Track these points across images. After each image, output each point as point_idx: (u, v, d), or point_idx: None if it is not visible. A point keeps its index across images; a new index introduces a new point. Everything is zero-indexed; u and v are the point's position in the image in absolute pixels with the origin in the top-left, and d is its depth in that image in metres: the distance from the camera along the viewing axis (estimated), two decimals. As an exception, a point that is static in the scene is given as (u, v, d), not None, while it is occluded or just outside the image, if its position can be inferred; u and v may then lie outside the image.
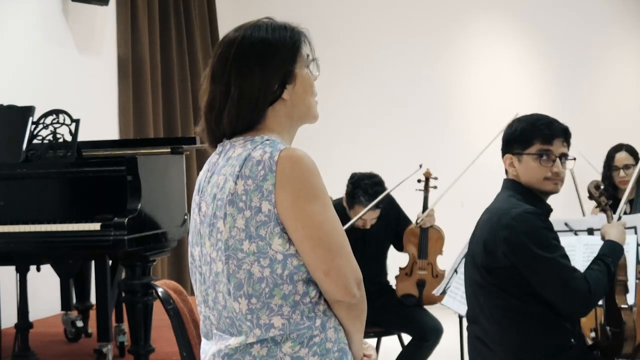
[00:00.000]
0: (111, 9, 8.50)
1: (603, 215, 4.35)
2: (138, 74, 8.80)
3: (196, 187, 2.83)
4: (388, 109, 10.35)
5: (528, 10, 10.32)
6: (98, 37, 8.35)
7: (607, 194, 4.46)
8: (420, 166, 6.02)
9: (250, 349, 2.59)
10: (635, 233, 4.50)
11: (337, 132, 10.05)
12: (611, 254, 3.99)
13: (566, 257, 3.86)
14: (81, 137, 5.63)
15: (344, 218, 5.93)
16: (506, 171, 4.13)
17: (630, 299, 4.12)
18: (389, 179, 6.13)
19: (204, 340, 2.81)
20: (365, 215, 5.93)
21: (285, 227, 2.57)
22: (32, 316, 5.91)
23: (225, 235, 2.60)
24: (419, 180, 6.39)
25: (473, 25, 10.48)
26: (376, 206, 5.94)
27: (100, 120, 8.22)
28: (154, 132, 8.92)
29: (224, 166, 2.67)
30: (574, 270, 3.84)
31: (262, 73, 2.67)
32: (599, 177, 6.58)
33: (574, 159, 4.09)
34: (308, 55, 2.78)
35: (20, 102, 5.93)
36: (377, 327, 6.15)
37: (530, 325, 3.91)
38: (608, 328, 4.16)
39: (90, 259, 6.25)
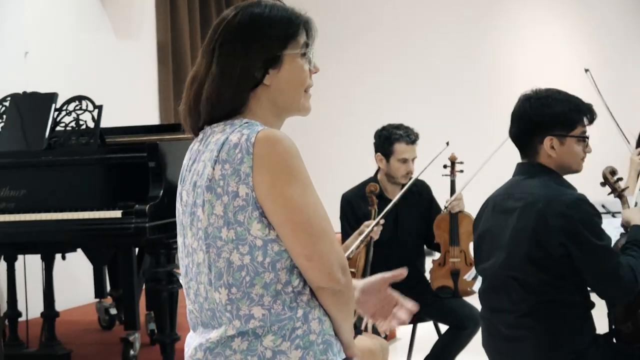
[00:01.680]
0: (151, -6, 8.45)
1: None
2: (178, 58, 8.76)
3: (180, 176, 2.72)
4: (420, 87, 10.25)
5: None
6: (136, 22, 8.31)
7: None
8: (447, 144, 5.84)
9: (230, 342, 2.49)
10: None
11: (369, 110, 9.94)
12: None
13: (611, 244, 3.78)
14: (122, 123, 5.60)
15: (356, 207, 5.74)
16: (530, 154, 3.92)
17: None
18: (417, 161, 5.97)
19: (190, 333, 2.71)
20: (409, 154, 5.75)
21: (264, 211, 2.45)
22: (69, 304, 5.90)
23: (204, 223, 2.50)
24: (444, 166, 6.22)
25: (517, 5, 10.26)
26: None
27: (140, 105, 8.20)
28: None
29: (203, 152, 2.56)
30: (619, 257, 3.73)
31: (244, 53, 2.54)
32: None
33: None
34: (306, 45, 2.63)
35: (58, 91, 5.89)
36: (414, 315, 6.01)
37: (565, 321, 3.78)
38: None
39: (116, 247, 6.20)
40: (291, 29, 2.59)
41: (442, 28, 10.38)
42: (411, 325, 6.26)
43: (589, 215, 3.72)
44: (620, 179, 4.36)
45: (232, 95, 2.55)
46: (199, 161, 2.57)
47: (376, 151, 5.91)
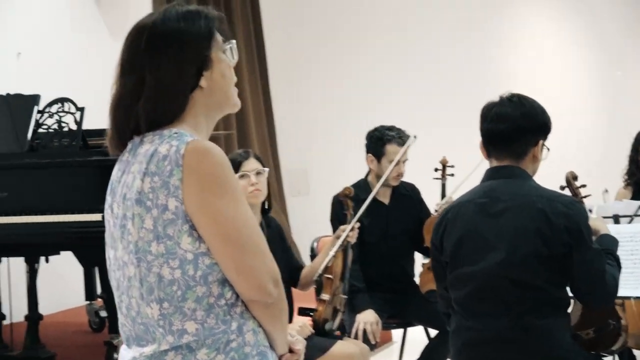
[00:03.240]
0: (147, -5, 8.42)
1: (629, 202, 4.18)
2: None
3: (109, 187, 2.66)
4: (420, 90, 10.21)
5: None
6: (132, 23, 8.22)
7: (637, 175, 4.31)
8: (415, 137, 5.74)
9: (164, 356, 2.43)
10: (616, 222, 4.45)
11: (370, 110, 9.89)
12: (614, 247, 3.90)
13: None
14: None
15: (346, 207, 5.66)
16: (517, 154, 3.85)
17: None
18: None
19: (123, 347, 2.65)
20: (401, 157, 5.65)
21: (194, 224, 2.41)
22: (61, 306, 5.87)
23: (134, 237, 2.45)
24: (435, 169, 6.16)
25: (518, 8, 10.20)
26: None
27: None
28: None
29: (132, 164, 2.50)
30: (606, 264, 3.74)
31: (178, 60, 2.49)
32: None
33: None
34: (223, 41, 2.60)
35: (51, 92, 5.85)
36: (401, 319, 5.95)
37: (561, 322, 3.75)
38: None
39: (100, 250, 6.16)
40: (210, 29, 2.55)
41: (440, 30, 10.33)
42: (402, 329, 6.22)
43: (586, 217, 3.72)
44: (583, 185, 4.40)
45: (173, 102, 2.50)
46: (128, 173, 2.51)
47: (367, 152, 5.85)
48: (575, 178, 4.43)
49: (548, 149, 3.89)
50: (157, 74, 2.47)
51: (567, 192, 4.43)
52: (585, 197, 4.38)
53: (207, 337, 2.41)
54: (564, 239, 3.64)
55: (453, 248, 3.88)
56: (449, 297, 3.93)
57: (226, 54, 2.60)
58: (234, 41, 2.64)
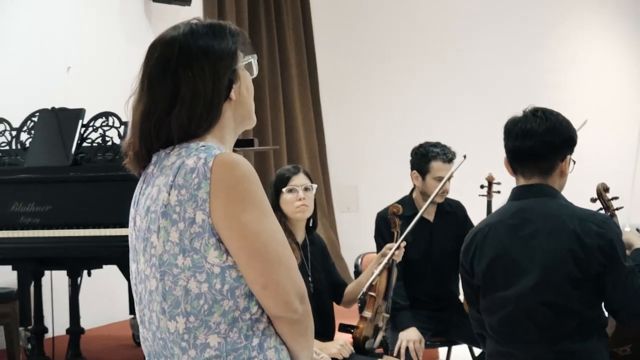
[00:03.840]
0: (197, 8, 8.46)
1: None
2: (226, 74, 8.72)
3: (133, 199, 2.64)
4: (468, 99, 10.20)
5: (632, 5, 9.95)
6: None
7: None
8: (465, 157, 5.68)
9: None
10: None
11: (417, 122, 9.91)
12: None
13: None
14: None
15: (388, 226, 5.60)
16: (545, 170, 3.77)
17: None
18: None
19: None
20: (445, 172, 5.57)
21: (221, 237, 2.39)
22: (107, 320, 5.88)
23: (159, 250, 2.43)
24: (481, 186, 6.09)
25: (573, 19, 10.13)
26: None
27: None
28: (242, 134, 8.82)
29: (157, 176, 2.49)
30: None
31: (214, 71, 2.49)
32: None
33: None
34: (245, 56, 2.60)
35: (100, 106, 5.88)
36: (445, 337, 5.88)
37: (598, 344, 3.67)
38: None
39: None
40: (234, 42, 2.56)
41: (489, 50, 10.29)
42: (446, 348, 6.16)
43: (619, 234, 3.63)
44: (615, 197, 4.31)
45: (208, 114, 2.49)
46: (153, 185, 2.49)
47: (412, 169, 5.80)
48: (606, 190, 4.33)
49: (574, 162, 3.80)
50: (193, 85, 2.47)
51: (598, 204, 4.36)
52: (617, 209, 4.29)
53: (229, 353, 2.39)
54: (598, 259, 3.55)
55: (484, 272, 3.78)
56: (481, 319, 3.85)
57: (248, 69, 2.60)
58: (255, 56, 2.65)
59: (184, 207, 2.38)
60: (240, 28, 2.65)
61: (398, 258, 5.01)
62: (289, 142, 9.94)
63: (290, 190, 4.69)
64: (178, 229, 2.39)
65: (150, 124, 2.50)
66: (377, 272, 4.87)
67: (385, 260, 4.91)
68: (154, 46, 2.56)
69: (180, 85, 2.47)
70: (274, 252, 2.39)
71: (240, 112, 2.56)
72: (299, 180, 4.75)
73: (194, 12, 8.40)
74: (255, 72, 2.63)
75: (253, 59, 2.62)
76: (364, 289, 4.84)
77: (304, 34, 10.22)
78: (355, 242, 8.27)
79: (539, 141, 3.71)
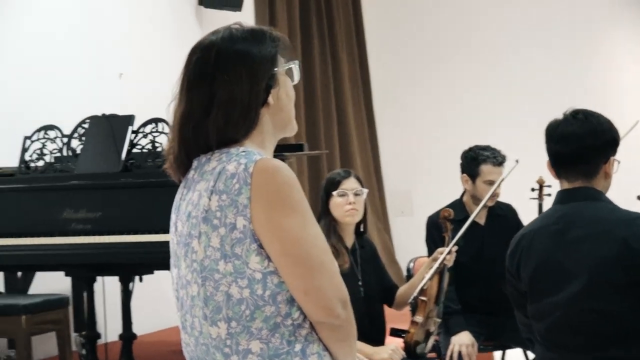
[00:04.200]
0: (248, 14, 8.48)
1: None
2: (278, 80, 8.73)
3: (174, 204, 2.63)
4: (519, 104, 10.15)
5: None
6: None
7: None
8: (517, 162, 5.62)
9: None
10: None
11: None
12: None
13: None
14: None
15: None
16: (588, 173, 3.71)
17: None
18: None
19: None
20: (496, 176, 5.52)
21: (262, 243, 2.38)
22: (159, 325, 5.90)
23: (200, 256, 2.43)
24: (532, 189, 6.02)
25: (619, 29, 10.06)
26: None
27: (237, 127, 8.20)
28: (295, 138, 8.82)
29: (198, 182, 2.49)
30: None
31: (251, 76, 2.49)
32: None
33: None
34: (286, 61, 2.60)
35: (153, 112, 5.90)
36: (498, 341, 5.82)
37: None
38: None
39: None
40: (275, 47, 2.55)
41: (542, 54, 10.27)
42: (501, 351, 6.09)
43: None
44: None
45: (245, 118, 2.48)
46: (194, 190, 2.49)
47: (462, 172, 5.75)
48: None
49: (619, 162, 3.71)
50: (230, 89, 2.47)
51: None
52: None
53: (272, 358, 2.37)
54: None
55: (530, 278, 3.71)
56: (529, 324, 3.79)
57: (288, 74, 2.59)
58: (296, 61, 2.64)
59: (224, 213, 2.38)
60: (283, 34, 2.64)
61: (449, 262, 4.97)
62: (341, 147, 9.94)
63: (341, 194, 4.67)
64: (219, 235, 2.39)
65: (188, 127, 2.51)
66: (428, 276, 4.83)
67: (437, 264, 4.87)
68: (194, 50, 2.58)
69: (217, 89, 2.47)
70: (316, 257, 2.39)
71: (279, 117, 2.55)
72: (350, 184, 4.73)
73: (245, 17, 8.41)
74: (297, 77, 2.62)
75: (294, 65, 2.61)
76: (415, 293, 4.80)
77: (356, 38, 10.22)
78: (410, 246, 8.25)
79: (581, 144, 3.65)
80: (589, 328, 3.56)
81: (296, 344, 2.40)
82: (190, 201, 2.49)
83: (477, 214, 5.30)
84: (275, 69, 2.53)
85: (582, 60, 10.16)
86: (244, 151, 2.44)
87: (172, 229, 2.60)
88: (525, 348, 5.89)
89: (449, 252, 4.91)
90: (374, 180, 10.21)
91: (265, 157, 2.42)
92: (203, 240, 2.41)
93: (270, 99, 2.51)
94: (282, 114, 2.55)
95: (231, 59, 2.49)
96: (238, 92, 2.47)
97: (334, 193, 4.69)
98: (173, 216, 2.61)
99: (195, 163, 2.54)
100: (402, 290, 4.99)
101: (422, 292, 4.85)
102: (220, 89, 2.47)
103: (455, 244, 5.01)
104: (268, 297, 2.37)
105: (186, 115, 2.52)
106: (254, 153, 2.43)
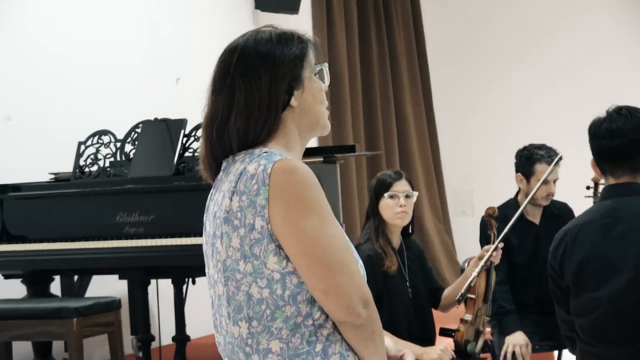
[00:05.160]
0: (305, 17, 8.50)
1: None
2: (336, 82, 8.77)
3: (206, 204, 2.66)
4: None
5: None
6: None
7: None
8: (561, 157, 5.55)
9: None
10: None
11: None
12: None
13: None
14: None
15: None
16: (634, 168, 3.66)
17: None
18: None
19: None
20: (550, 175, 5.49)
21: (280, 243, 2.39)
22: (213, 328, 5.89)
23: (223, 256, 2.45)
24: (587, 187, 5.94)
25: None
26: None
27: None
28: (353, 140, 8.85)
29: (224, 182, 2.51)
30: None
31: (270, 77, 2.49)
32: None
33: None
34: (316, 63, 2.59)
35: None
36: (554, 341, 5.76)
37: None
38: None
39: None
40: (303, 50, 2.55)
41: (597, 44, 10.27)
42: (556, 352, 6.03)
43: None
44: None
45: (265, 120, 2.49)
46: (220, 191, 2.51)
47: (517, 171, 5.72)
48: None
49: None
50: (248, 91, 2.48)
51: None
52: None
53: (292, 358, 2.38)
54: None
55: (574, 273, 3.69)
56: (571, 321, 3.76)
57: (318, 77, 2.59)
58: (326, 63, 2.63)
59: (244, 213, 2.39)
60: (316, 38, 2.65)
61: (496, 260, 4.94)
62: (400, 148, 9.93)
63: (391, 196, 4.66)
64: (239, 235, 2.40)
65: (212, 129, 2.53)
66: (474, 273, 4.80)
67: (483, 262, 4.84)
68: (222, 53, 2.60)
69: (237, 91, 2.48)
70: (335, 257, 2.38)
71: (305, 120, 2.55)
72: (401, 186, 4.73)
73: (302, 20, 8.44)
74: (327, 80, 2.62)
75: (324, 67, 2.61)
76: (462, 291, 4.77)
77: (415, 39, 10.20)
78: (471, 246, 8.20)
79: (626, 139, 3.63)
80: (636, 321, 3.54)
81: (317, 344, 2.40)
82: (216, 202, 2.52)
83: (523, 208, 5.24)
84: (301, 70, 2.53)
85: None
86: (265, 152, 2.45)
87: (204, 228, 2.62)
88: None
89: (495, 249, 4.88)
90: (434, 180, 10.19)
91: (285, 158, 2.42)
92: (225, 240, 2.43)
93: (293, 101, 2.51)
94: (307, 116, 2.55)
95: (251, 61, 2.50)
96: (256, 94, 2.47)
97: (385, 195, 4.68)
98: (204, 217, 2.62)
99: (224, 164, 2.56)
100: (447, 291, 4.97)
101: (470, 289, 4.83)
102: (239, 90, 2.48)
103: (509, 242, 4.99)
104: (288, 297, 2.38)
105: (210, 117, 2.55)
106: (275, 154, 2.44)
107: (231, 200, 2.42)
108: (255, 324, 2.39)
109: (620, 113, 3.67)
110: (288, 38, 2.55)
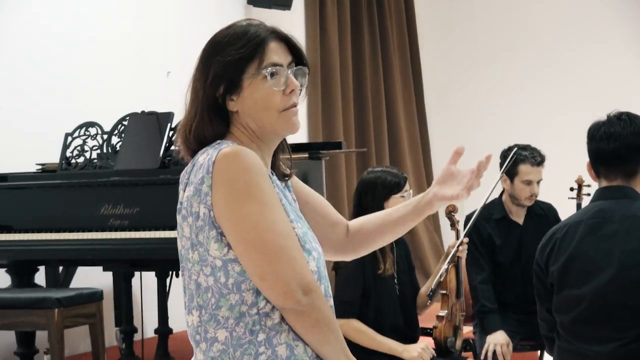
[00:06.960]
0: (298, 13, 8.50)
1: None
2: (328, 78, 8.78)
3: None
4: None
5: None
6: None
7: None
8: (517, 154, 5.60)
9: None
10: None
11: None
12: None
13: None
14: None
15: (482, 229, 5.54)
16: (628, 172, 3.72)
17: None
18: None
19: None
20: (534, 176, 5.52)
21: (222, 230, 2.38)
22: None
23: (179, 246, 2.50)
24: (571, 189, 5.97)
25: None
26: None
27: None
28: (344, 136, 8.86)
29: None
30: None
31: (204, 82, 2.49)
32: None
33: None
34: (273, 64, 2.48)
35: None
36: (535, 341, 5.78)
37: None
38: None
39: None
40: (249, 51, 2.47)
41: (590, 49, 10.27)
42: (538, 351, 6.03)
43: None
44: None
45: (201, 118, 2.50)
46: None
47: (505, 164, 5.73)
48: None
49: None
50: (192, 90, 2.53)
51: None
52: None
53: (236, 349, 2.39)
54: None
55: (560, 270, 3.74)
56: (551, 320, 3.80)
57: (270, 79, 2.47)
58: (280, 68, 2.49)
59: (190, 202, 2.41)
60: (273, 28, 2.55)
61: (463, 254, 4.97)
62: (391, 145, 9.93)
63: (403, 197, 4.68)
64: (188, 224, 2.43)
65: (179, 126, 2.60)
66: (443, 268, 4.86)
67: (449, 257, 4.88)
68: None
69: (188, 91, 2.55)
70: (273, 242, 2.36)
71: (252, 125, 2.51)
72: (407, 187, 4.81)
73: (295, 16, 8.44)
74: (282, 83, 2.48)
75: (274, 69, 2.46)
76: (433, 286, 4.82)
77: (407, 36, 10.20)
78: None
79: (623, 144, 3.69)
80: (616, 320, 3.59)
81: (259, 333, 2.39)
82: None
83: (486, 201, 5.24)
84: (239, 75, 2.46)
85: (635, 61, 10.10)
86: (218, 143, 2.46)
87: None
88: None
89: (460, 244, 4.91)
90: (424, 178, 10.20)
91: (233, 145, 2.42)
92: (179, 231, 2.47)
93: (230, 107, 2.49)
94: (252, 121, 2.50)
95: (199, 63, 2.53)
96: (194, 95, 2.52)
97: (397, 195, 4.70)
98: None
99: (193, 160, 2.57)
100: (422, 291, 5.00)
101: (442, 285, 4.89)
102: (188, 91, 2.54)
103: (492, 242, 5.05)
104: (232, 285, 2.38)
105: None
106: (226, 144, 2.43)
107: (184, 191, 2.45)
108: (204, 312, 2.42)
109: (621, 118, 3.75)
110: (237, 38, 2.48)
